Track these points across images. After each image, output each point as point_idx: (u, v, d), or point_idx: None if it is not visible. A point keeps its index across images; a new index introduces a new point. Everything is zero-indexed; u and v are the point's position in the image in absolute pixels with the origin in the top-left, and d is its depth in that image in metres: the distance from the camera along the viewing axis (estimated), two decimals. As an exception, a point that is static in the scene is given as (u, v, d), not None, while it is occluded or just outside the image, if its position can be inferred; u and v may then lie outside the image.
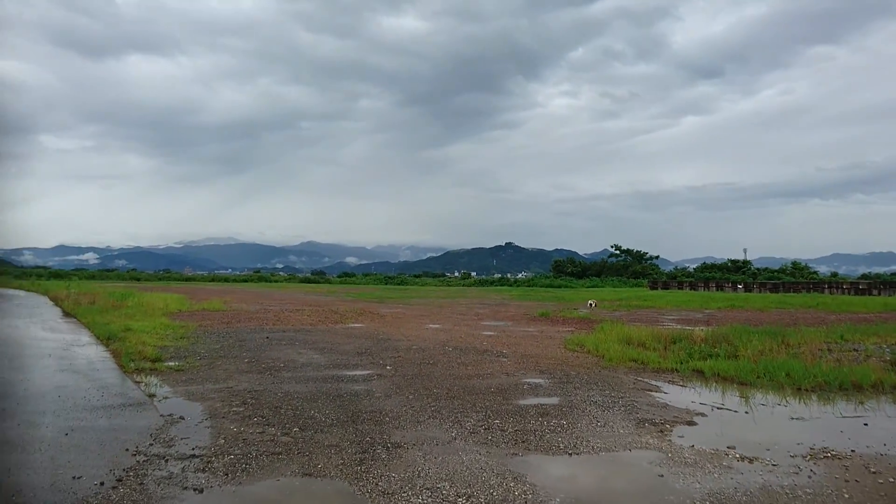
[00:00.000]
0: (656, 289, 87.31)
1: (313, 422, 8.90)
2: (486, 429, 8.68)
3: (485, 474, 6.71)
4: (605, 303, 44.02)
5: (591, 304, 38.98)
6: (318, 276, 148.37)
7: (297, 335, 20.01)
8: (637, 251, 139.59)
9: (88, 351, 16.16)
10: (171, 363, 14.12)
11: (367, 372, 13.23)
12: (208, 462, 6.99)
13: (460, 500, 6.00)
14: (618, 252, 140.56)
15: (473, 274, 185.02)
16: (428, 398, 10.68)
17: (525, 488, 6.32)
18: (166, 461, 7.00)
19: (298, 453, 7.41)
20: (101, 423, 8.68)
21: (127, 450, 7.38)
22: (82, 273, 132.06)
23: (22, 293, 51.77)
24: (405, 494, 6.13)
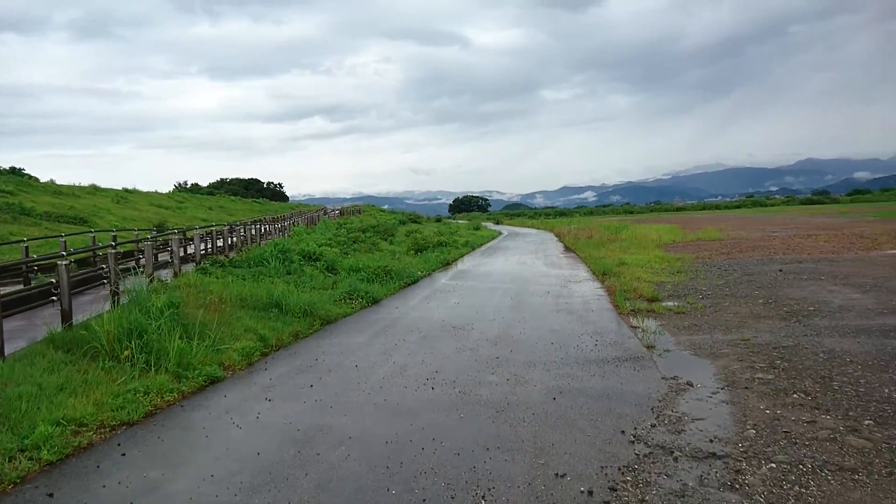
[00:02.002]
0: None
1: (894, 410, 5.75)
2: None
3: None
4: None
5: None
6: (823, 197, 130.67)
7: (818, 266, 16.05)
8: None
9: (584, 288, 15.47)
10: (669, 303, 12.23)
11: (951, 323, 9.06)
12: (738, 472, 4.67)
13: None
14: None
15: None
16: None
17: None
18: (676, 460, 4.94)
19: (888, 474, 4.51)
20: (594, 383, 7.15)
21: (623, 432, 5.59)
22: (582, 210, 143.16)
23: (533, 231, 57.59)
24: None
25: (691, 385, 6.86)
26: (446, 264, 24.24)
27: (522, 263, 23.28)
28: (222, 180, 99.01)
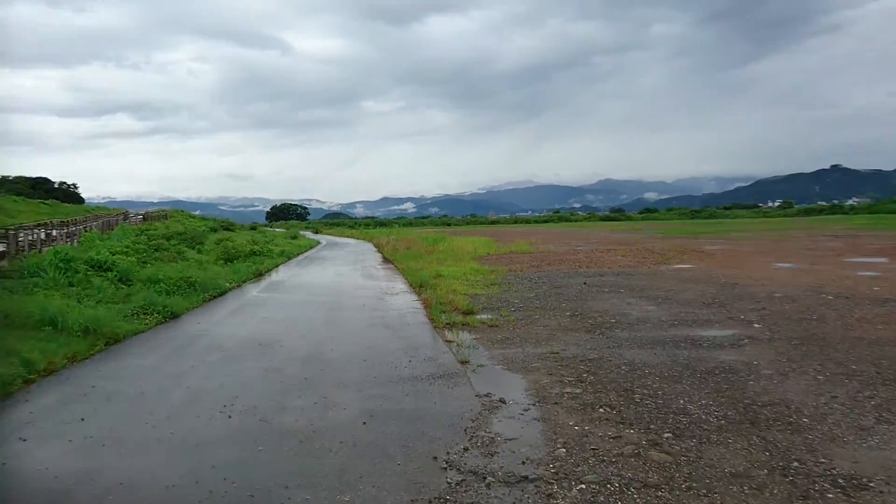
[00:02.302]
0: None
1: (688, 420, 5.97)
2: None
3: None
4: None
5: None
6: (619, 214, 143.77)
7: (618, 279, 17.17)
8: None
9: (400, 301, 15.25)
10: (483, 316, 12.31)
11: (730, 332, 9.88)
12: (549, 496, 4.50)
13: None
14: None
15: (803, 204, 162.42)
16: (849, 379, 7.08)
17: None
18: (489, 486, 4.69)
19: (687, 488, 4.58)
20: (407, 404, 6.80)
21: (435, 458, 5.26)
22: (402, 221, 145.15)
23: (353, 241, 57.09)
24: None
25: (504, 402, 6.74)
26: (259, 275, 23.02)
27: (339, 275, 22.71)
28: (4, 178, 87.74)
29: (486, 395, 7.01)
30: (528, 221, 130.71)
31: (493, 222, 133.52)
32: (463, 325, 11.53)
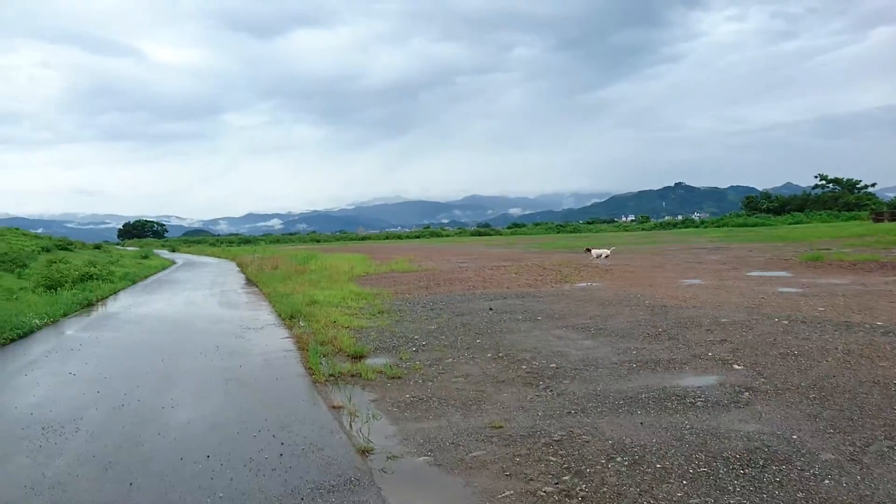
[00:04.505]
0: (881, 221, 71.82)
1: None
2: None
3: None
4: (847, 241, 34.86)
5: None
6: (488, 229, 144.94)
7: (524, 303, 14.75)
8: (848, 179, 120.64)
9: (266, 338, 11.94)
10: (379, 360, 9.35)
11: (713, 379, 7.52)
12: None
13: None
14: (824, 182, 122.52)
15: (652, 218, 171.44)
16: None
17: None
18: None
19: None
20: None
21: None
22: (268, 238, 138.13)
23: (214, 260, 51.88)
24: None
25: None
26: (88, 305, 18.68)
27: (191, 303, 18.83)
28: None
29: (418, 534, 4.09)
30: (399, 237, 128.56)
31: (363, 238, 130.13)
32: (352, 375, 8.51)
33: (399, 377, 8.31)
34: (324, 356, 9.60)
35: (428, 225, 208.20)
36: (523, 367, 8.48)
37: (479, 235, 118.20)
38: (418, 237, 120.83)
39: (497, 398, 7.14)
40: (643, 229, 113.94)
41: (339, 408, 7.05)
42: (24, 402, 7.67)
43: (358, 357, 9.64)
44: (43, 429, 6.52)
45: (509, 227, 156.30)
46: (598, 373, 7.99)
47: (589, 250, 28.58)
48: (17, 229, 69.41)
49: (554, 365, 8.48)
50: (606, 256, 26.92)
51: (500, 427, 6.11)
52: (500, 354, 9.31)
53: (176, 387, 8.27)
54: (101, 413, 7.11)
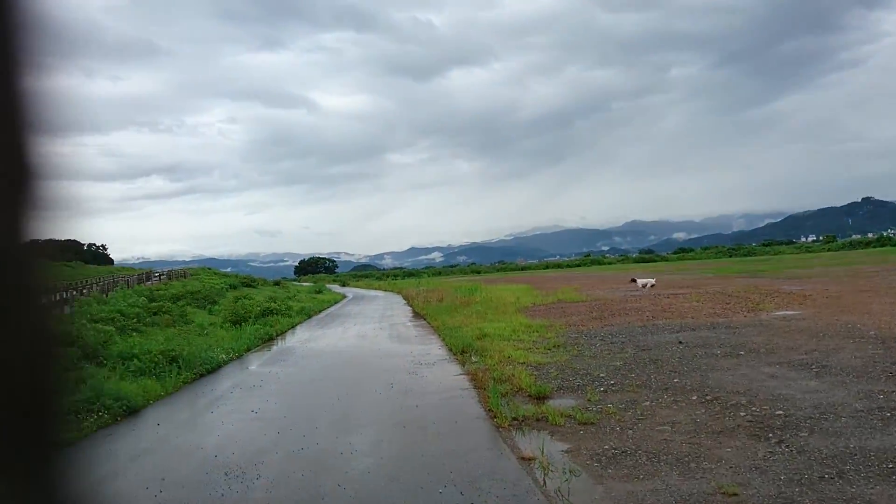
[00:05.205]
0: None
1: None
2: None
3: None
4: None
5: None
6: (652, 255, 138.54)
7: (719, 335, 13.14)
8: None
9: (440, 374, 11.43)
10: (564, 402, 8.44)
11: None
12: None
13: None
14: None
15: (838, 237, 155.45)
16: None
17: None
18: None
19: None
20: None
21: None
22: (430, 270, 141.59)
23: (381, 293, 53.53)
24: None
25: None
26: (268, 339, 19.44)
27: (362, 336, 18.97)
28: (32, 242, 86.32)
29: None
30: (559, 266, 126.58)
31: (523, 268, 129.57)
32: (538, 419, 7.67)
33: (591, 423, 7.34)
34: (503, 396, 8.84)
35: (588, 253, 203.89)
36: (741, 413, 7.18)
37: (644, 262, 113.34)
38: (579, 265, 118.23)
39: (718, 454, 5.97)
40: (829, 250, 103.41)
41: (531, 459, 6.22)
42: (209, 443, 7.59)
43: (541, 398, 8.78)
44: (226, 474, 6.28)
45: (675, 253, 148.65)
46: (843, 423, 6.53)
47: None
48: (209, 269, 76.26)
49: (780, 412, 7.09)
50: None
51: (735, 495, 4.96)
52: (708, 397, 8.03)
53: (353, 430, 7.87)
54: (281, 457, 6.80)
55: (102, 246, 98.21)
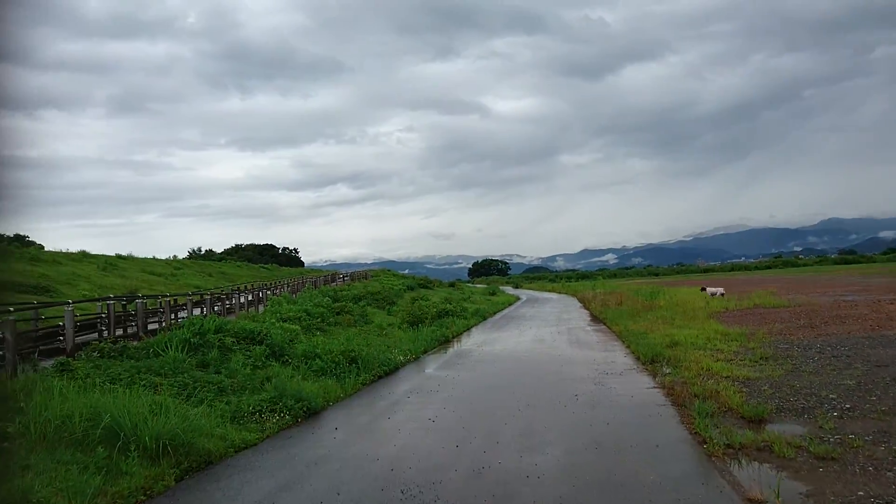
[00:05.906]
0: None
1: None
2: None
3: None
4: None
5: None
6: (857, 256, 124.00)
7: (975, 351, 10.78)
8: None
9: (629, 386, 10.34)
10: (789, 428, 7.07)
11: None
12: None
13: None
14: None
15: None
16: None
17: None
18: None
19: None
20: None
21: None
22: (604, 273, 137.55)
23: (554, 296, 52.47)
24: None
25: None
26: (445, 341, 19.27)
27: (540, 340, 18.18)
28: (237, 246, 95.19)
29: None
30: (746, 268, 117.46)
31: (705, 270, 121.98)
32: (759, 449, 6.43)
33: (832, 458, 5.99)
34: (709, 416, 7.65)
35: (778, 254, 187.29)
36: None
37: (845, 264, 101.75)
38: (768, 268, 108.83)
39: None
40: None
41: (760, 503, 5.08)
42: (385, 454, 7.18)
43: (757, 421, 7.47)
44: (402, 492, 5.78)
45: (885, 253, 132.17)
46: None
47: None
48: (388, 270, 79.38)
49: None
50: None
51: None
52: None
53: (539, 448, 7.09)
54: (460, 476, 6.19)
55: (295, 249, 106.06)
